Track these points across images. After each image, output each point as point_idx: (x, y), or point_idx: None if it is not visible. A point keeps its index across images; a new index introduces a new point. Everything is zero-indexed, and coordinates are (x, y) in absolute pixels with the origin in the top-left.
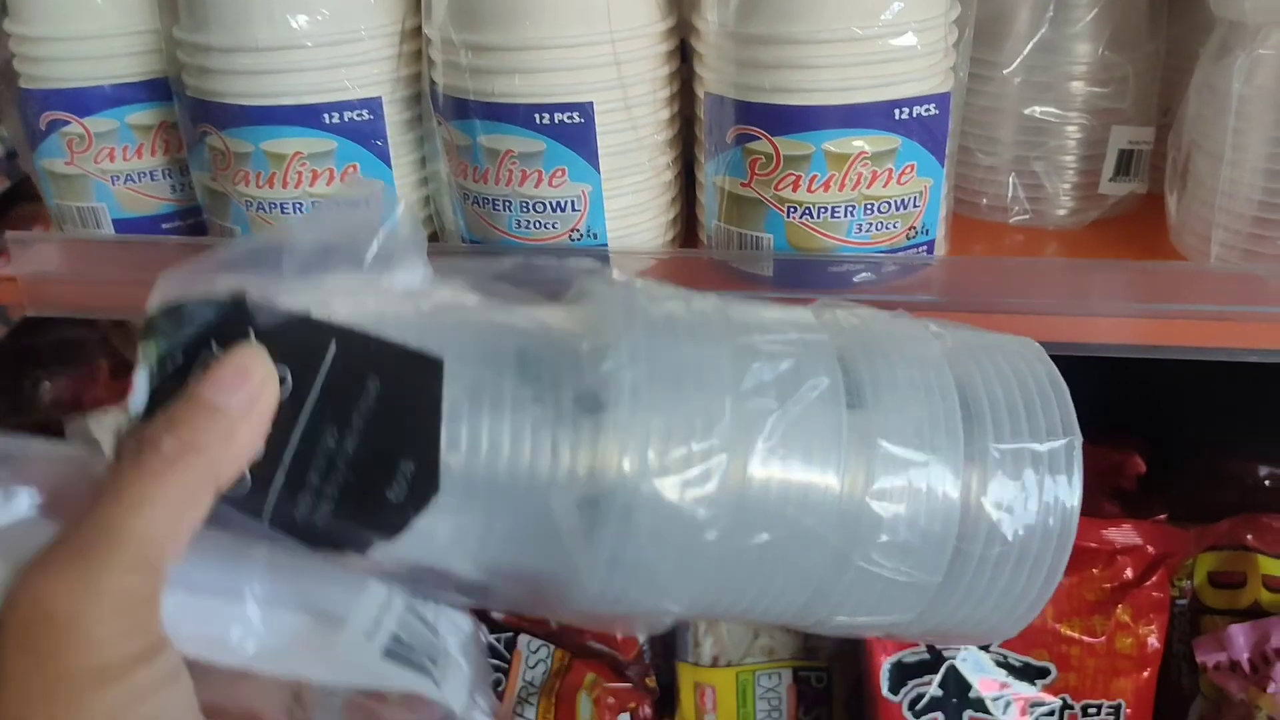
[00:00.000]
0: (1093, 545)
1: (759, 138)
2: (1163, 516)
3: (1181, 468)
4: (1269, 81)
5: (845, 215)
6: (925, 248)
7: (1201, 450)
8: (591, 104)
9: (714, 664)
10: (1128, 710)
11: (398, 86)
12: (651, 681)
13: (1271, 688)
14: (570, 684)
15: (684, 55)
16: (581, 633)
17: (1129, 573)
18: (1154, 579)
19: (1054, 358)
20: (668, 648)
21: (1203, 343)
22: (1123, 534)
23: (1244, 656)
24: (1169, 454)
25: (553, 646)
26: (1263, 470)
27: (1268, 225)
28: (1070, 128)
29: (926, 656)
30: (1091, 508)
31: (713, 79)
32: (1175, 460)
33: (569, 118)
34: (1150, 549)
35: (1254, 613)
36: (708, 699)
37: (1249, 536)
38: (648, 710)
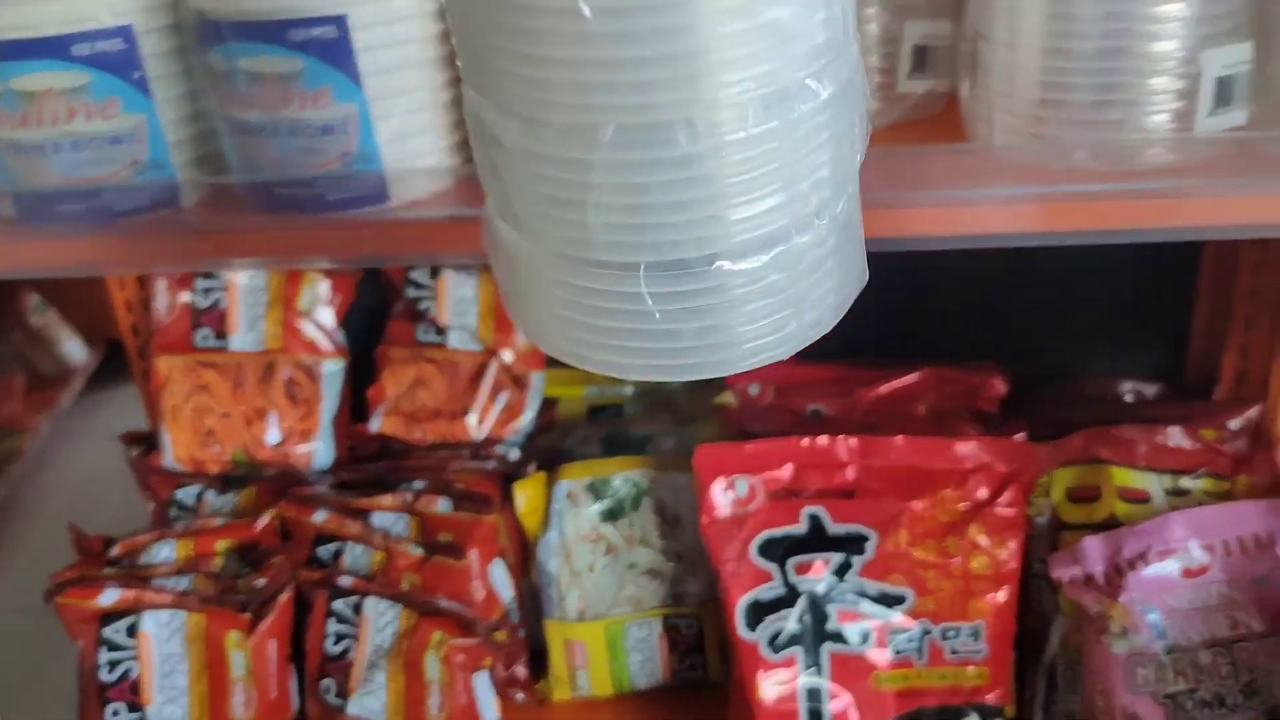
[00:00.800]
0: (943, 466)
1: None
2: (1019, 436)
3: (1043, 389)
4: None
5: None
6: None
7: (1062, 371)
8: (345, 16)
9: (580, 618)
10: (988, 631)
11: (153, 15)
12: (504, 635)
13: (1123, 598)
14: (417, 645)
15: None
16: (430, 592)
17: (981, 492)
18: (1006, 497)
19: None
20: (537, 607)
21: (994, 229)
22: (972, 452)
23: (1098, 569)
24: (1031, 377)
25: (400, 607)
26: (1123, 386)
27: (1048, 106)
28: (866, 25)
29: (782, 591)
30: (949, 430)
31: None
32: (1037, 382)
33: (324, 32)
34: (1000, 467)
35: (1110, 525)
36: (578, 654)
37: (1102, 449)
38: (520, 668)
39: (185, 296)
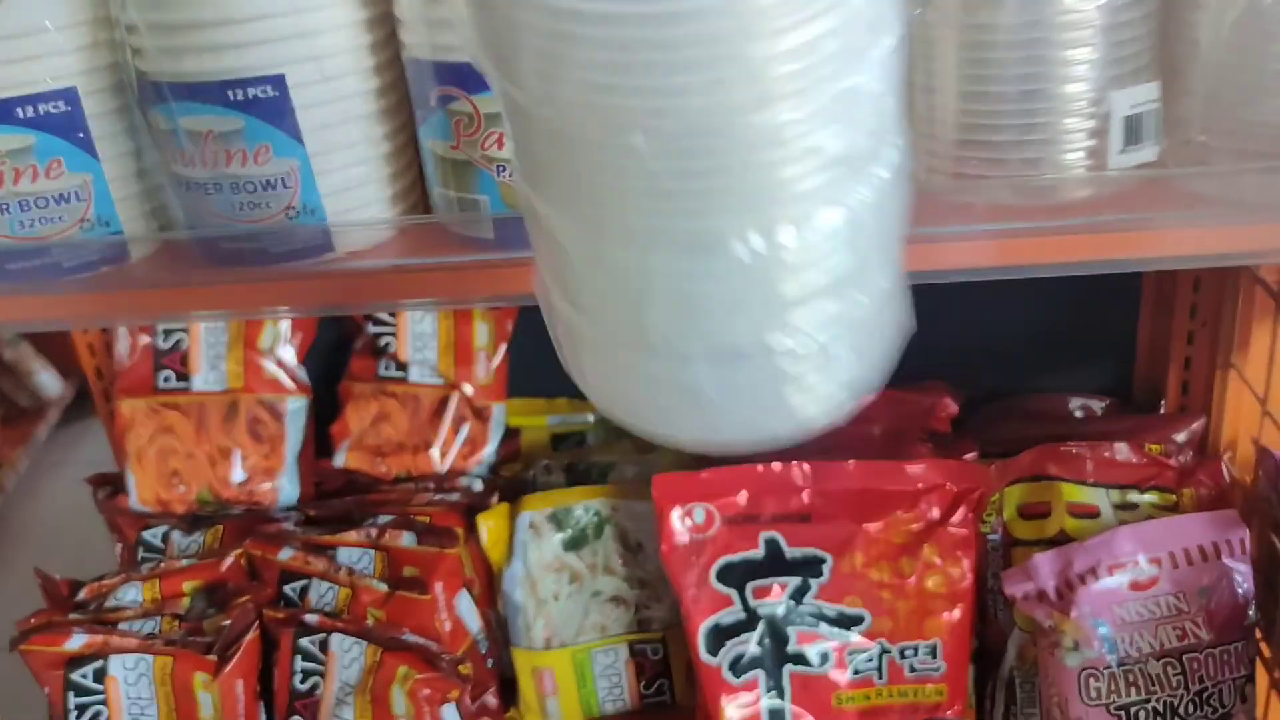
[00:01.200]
0: (895, 488)
1: (458, 97)
2: (971, 454)
3: (993, 408)
4: (951, 11)
5: None
6: None
7: (1012, 389)
8: (283, 76)
9: (547, 646)
10: (945, 648)
11: (95, 76)
12: (467, 668)
13: (1074, 612)
14: (383, 679)
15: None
16: (395, 627)
17: (934, 512)
18: (957, 515)
19: None
20: (506, 636)
21: (922, 265)
22: (923, 473)
23: (1049, 584)
24: (982, 395)
25: (365, 643)
26: (1073, 403)
27: (967, 147)
28: None
29: (742, 616)
30: (903, 451)
31: (411, 42)
32: (987, 401)
33: (262, 91)
34: (951, 486)
35: (1061, 540)
36: (547, 682)
37: (1051, 466)
38: (490, 697)
39: (146, 339)
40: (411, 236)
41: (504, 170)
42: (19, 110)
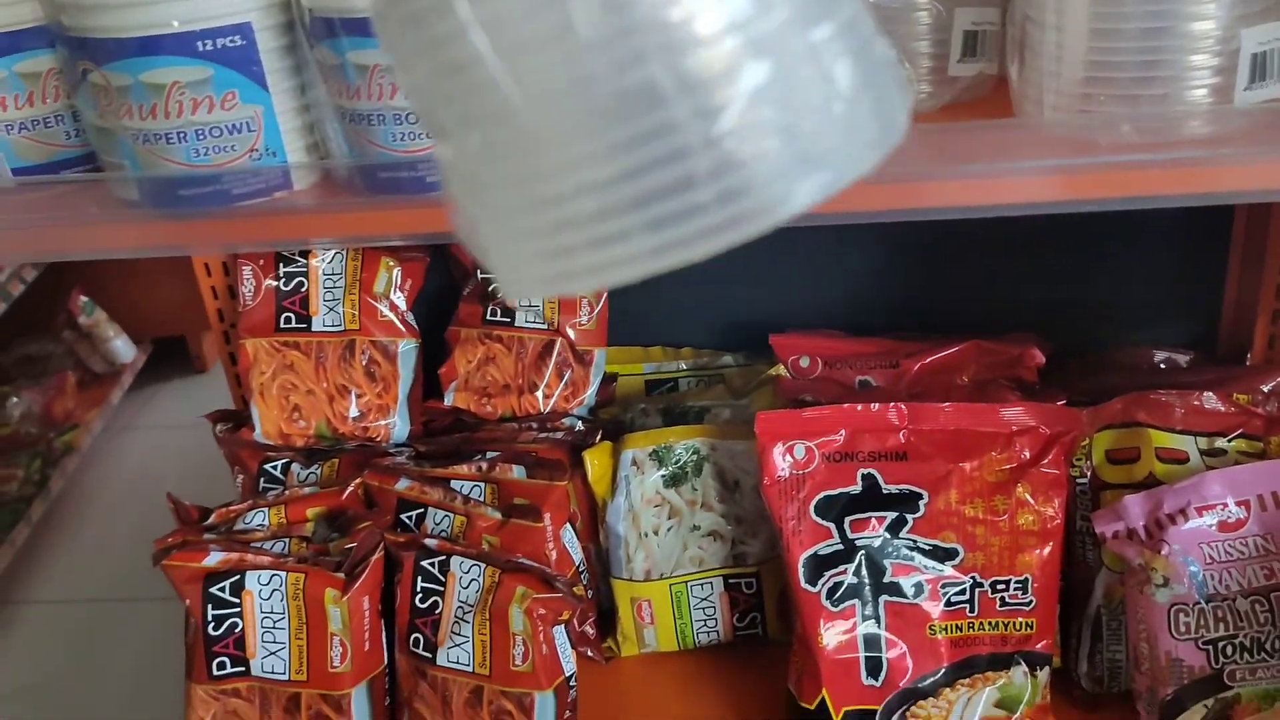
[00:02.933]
0: (990, 430)
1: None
2: (1060, 403)
3: (1079, 360)
4: None
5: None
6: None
7: (1100, 341)
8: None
9: (647, 578)
10: (1035, 584)
11: (269, 12)
12: (580, 590)
13: (1164, 550)
14: (501, 599)
15: None
16: (510, 551)
17: (1026, 453)
18: (1050, 457)
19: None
20: (604, 569)
21: (1042, 197)
22: (1017, 416)
23: (1139, 524)
24: (1070, 348)
25: (484, 565)
26: (1157, 355)
27: (1094, 84)
28: (918, 13)
29: (840, 547)
30: (992, 398)
31: None
32: (1075, 352)
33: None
34: (1044, 429)
35: (1149, 484)
36: (645, 612)
37: (1140, 413)
38: (589, 628)
39: (270, 282)
40: None
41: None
42: (199, 44)
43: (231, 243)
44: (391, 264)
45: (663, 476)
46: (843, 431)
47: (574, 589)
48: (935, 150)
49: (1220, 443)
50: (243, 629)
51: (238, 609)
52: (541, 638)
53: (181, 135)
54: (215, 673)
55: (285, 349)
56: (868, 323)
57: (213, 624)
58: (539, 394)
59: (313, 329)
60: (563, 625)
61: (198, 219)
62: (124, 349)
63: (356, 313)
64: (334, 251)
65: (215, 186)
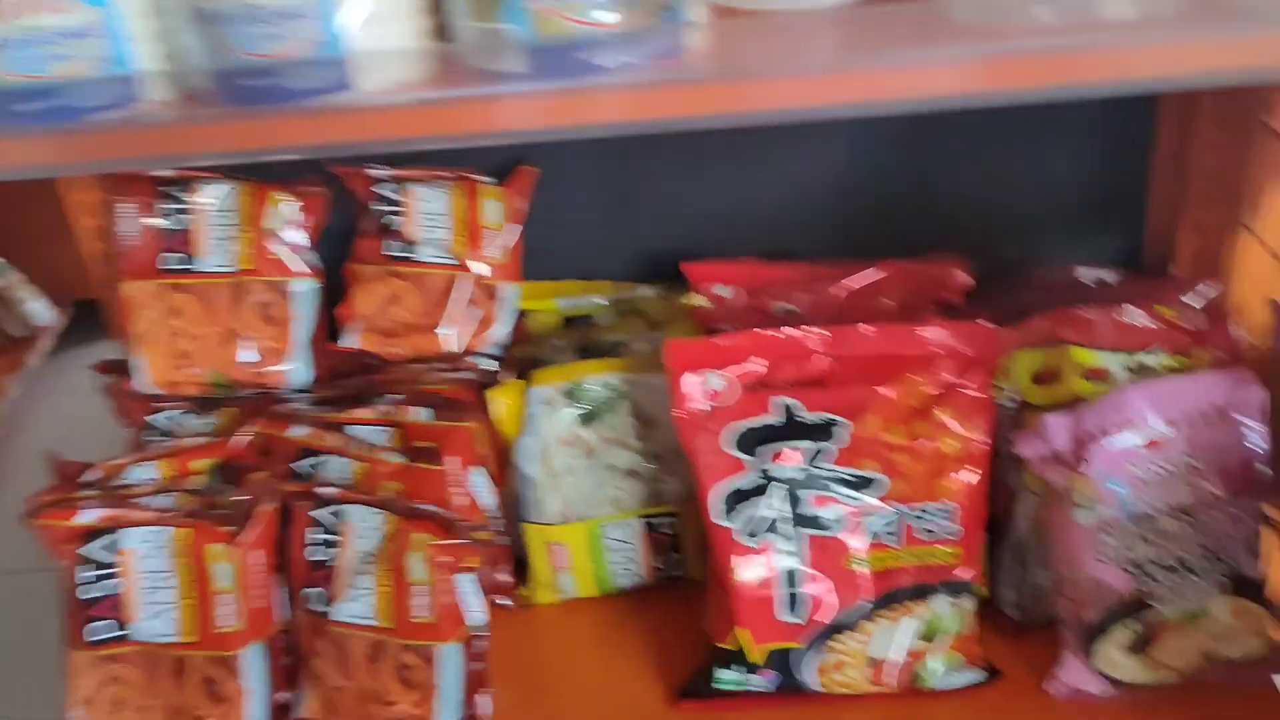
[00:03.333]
0: (910, 352)
1: None
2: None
3: (1004, 280)
4: None
5: None
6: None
7: (1024, 259)
8: None
9: (561, 521)
10: (960, 511)
11: None
12: (488, 535)
13: (1087, 469)
14: (400, 548)
15: None
16: (413, 497)
17: (948, 376)
18: (972, 380)
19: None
20: (518, 515)
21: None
22: (937, 337)
23: (1062, 445)
24: (995, 267)
25: (383, 513)
26: (1083, 273)
27: None
28: None
29: (758, 480)
30: (917, 321)
31: None
32: (1000, 272)
33: None
34: (966, 350)
35: (1074, 404)
36: (559, 556)
37: (1063, 331)
38: (504, 574)
39: (151, 220)
40: (438, 75)
41: None
42: None
43: (75, 163)
44: (286, 198)
45: (575, 414)
46: (759, 358)
47: (480, 534)
48: (841, 40)
49: (1145, 359)
50: (123, 590)
51: (115, 569)
52: (446, 587)
53: (13, 43)
54: (93, 638)
55: (170, 291)
56: (787, 248)
57: (88, 586)
58: (446, 332)
59: (199, 269)
60: (470, 572)
61: (35, 136)
62: (41, 311)
63: (250, 251)
64: (227, 187)
65: (54, 100)
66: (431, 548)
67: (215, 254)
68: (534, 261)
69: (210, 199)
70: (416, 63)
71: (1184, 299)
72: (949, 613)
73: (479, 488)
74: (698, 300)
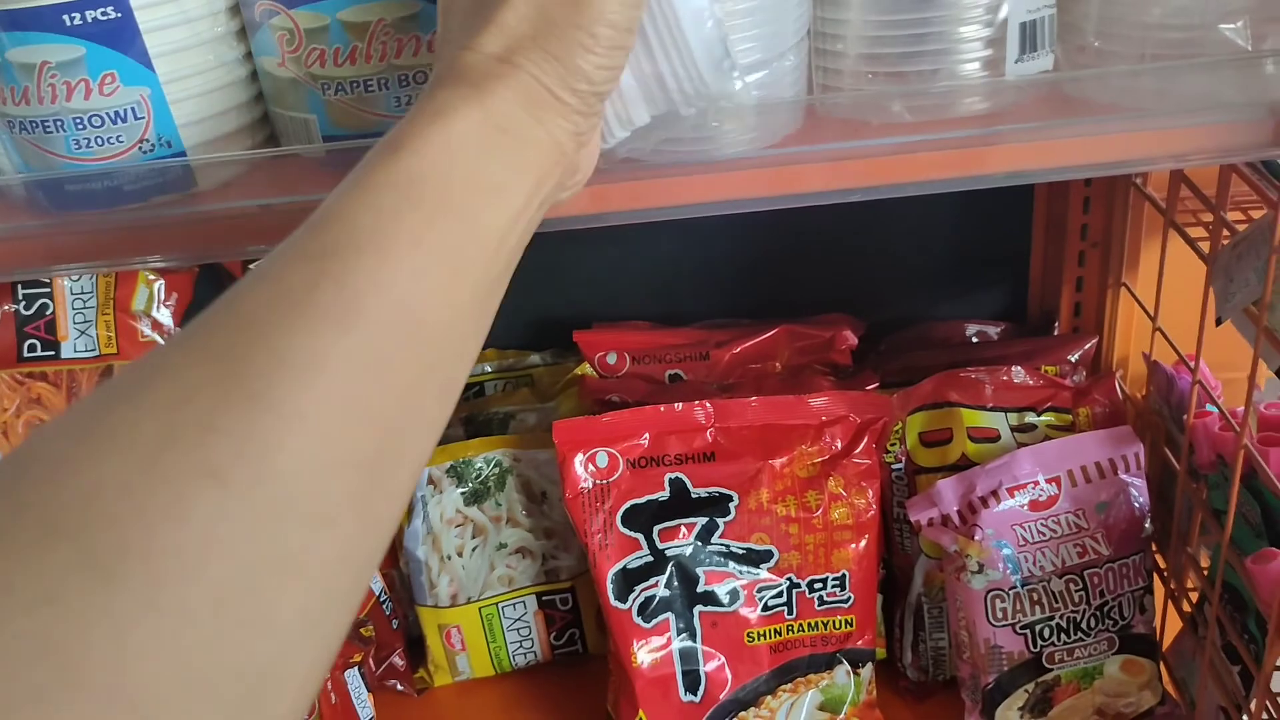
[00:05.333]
0: (798, 422)
1: (279, 11)
2: (873, 385)
3: (893, 338)
4: None
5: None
6: None
7: (912, 318)
8: None
9: (453, 603)
10: (852, 579)
11: None
12: (368, 631)
13: (977, 535)
14: None
15: None
16: None
17: (838, 444)
18: (861, 446)
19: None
20: (410, 595)
21: (812, 186)
22: (825, 406)
23: (953, 509)
24: (884, 326)
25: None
26: (970, 329)
27: (865, 60)
28: None
29: (650, 559)
30: (805, 385)
31: None
32: (887, 332)
33: (103, 14)
34: (854, 417)
35: (963, 466)
36: (455, 639)
37: (951, 392)
38: (398, 659)
39: (7, 306)
40: (273, 168)
41: (329, 88)
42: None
43: None
44: (152, 277)
45: (462, 494)
46: (646, 435)
47: (361, 629)
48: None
49: (1030, 417)
50: None
51: None
52: (330, 686)
53: (59, 123)
54: None
55: (30, 380)
56: (679, 313)
57: None
58: None
59: (62, 355)
60: (355, 668)
61: None
62: None
63: (112, 334)
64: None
65: None
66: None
67: (78, 338)
68: None
69: (70, 281)
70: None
71: (1067, 356)
72: (847, 682)
73: None
74: (587, 369)
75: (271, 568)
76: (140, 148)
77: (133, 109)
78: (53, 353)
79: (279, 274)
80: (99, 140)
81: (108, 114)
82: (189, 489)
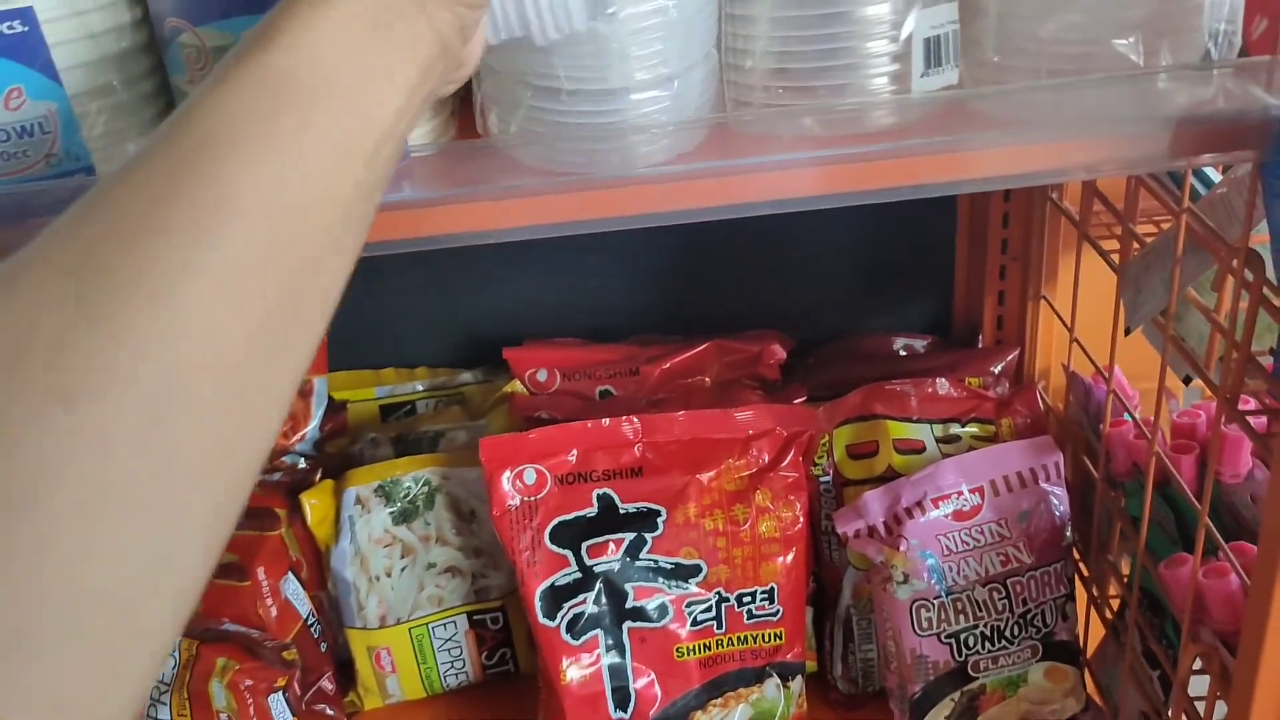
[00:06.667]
0: (725, 436)
1: (185, 29)
2: (800, 399)
3: (821, 352)
4: None
5: None
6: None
7: (839, 332)
8: (31, 9)
9: (382, 624)
10: (780, 592)
11: None
12: (291, 655)
13: (902, 546)
14: (201, 673)
15: None
16: (213, 618)
17: (765, 457)
18: (788, 460)
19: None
20: (338, 618)
21: (727, 199)
22: (752, 419)
23: (879, 520)
24: (812, 340)
25: (180, 637)
26: (896, 342)
27: (775, 76)
28: None
29: (579, 575)
30: (734, 400)
31: None
32: (815, 346)
33: (9, 27)
34: (781, 430)
35: (890, 477)
36: (385, 661)
37: (877, 405)
38: (327, 683)
39: None
40: None
41: None
42: None
43: None
44: None
45: (390, 514)
46: (574, 451)
47: (284, 653)
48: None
49: (954, 429)
50: None
51: None
52: (252, 711)
53: None
54: None
55: None
56: (611, 328)
57: None
58: None
59: None
60: (279, 693)
61: None
62: None
63: None
64: None
65: None
66: (235, 673)
67: None
68: (350, 350)
69: None
70: None
71: (989, 368)
72: (777, 695)
73: (293, 596)
74: (515, 386)
75: (129, 492)
76: (48, 162)
77: (40, 124)
78: None
79: (140, 178)
80: (5, 155)
81: (14, 128)
82: (44, 409)
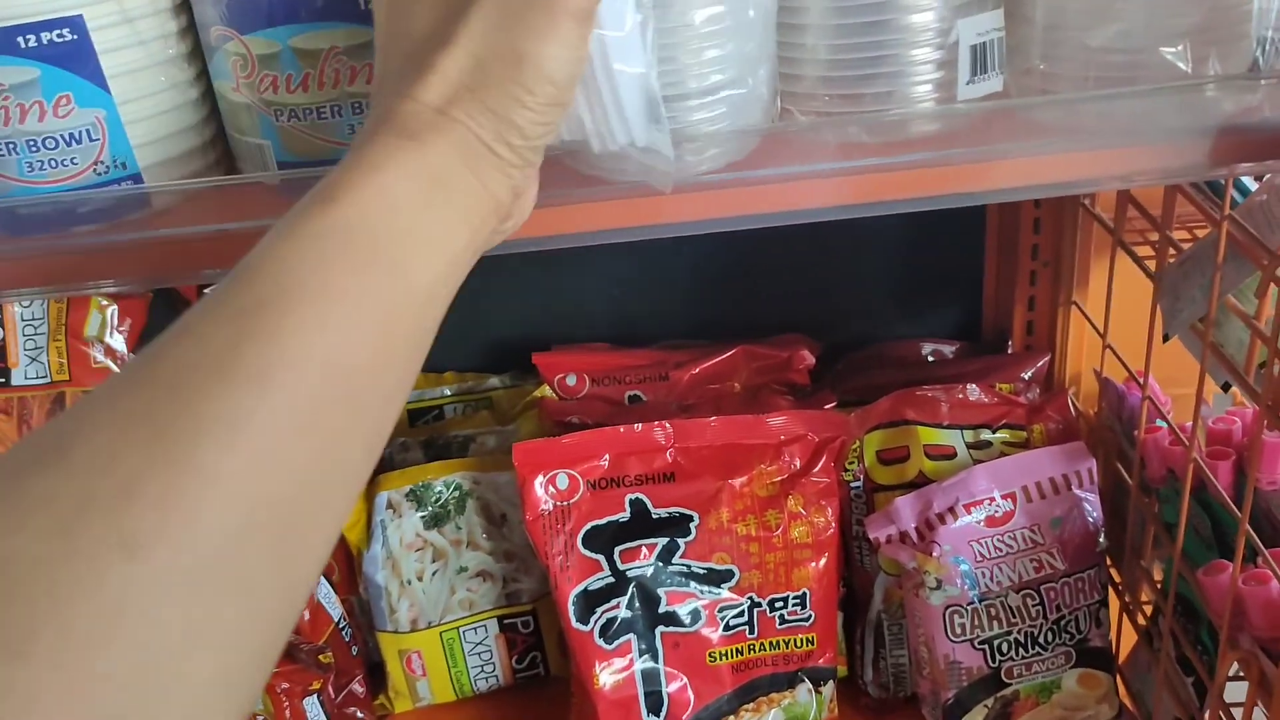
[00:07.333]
0: (757, 441)
1: (232, 37)
2: (830, 404)
3: (850, 358)
4: None
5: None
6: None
7: (870, 337)
8: (82, 17)
9: (413, 628)
10: (812, 598)
11: None
12: (327, 658)
13: (935, 551)
14: None
15: None
16: None
17: (796, 463)
18: (819, 465)
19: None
20: (370, 621)
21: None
22: (784, 425)
23: (910, 526)
24: (841, 346)
25: None
26: (925, 348)
27: (825, 84)
28: None
29: (611, 580)
30: (763, 405)
31: None
32: (844, 352)
33: (59, 36)
34: (812, 436)
35: (920, 483)
36: (415, 664)
37: (908, 410)
38: (357, 686)
39: None
40: (227, 194)
41: (283, 115)
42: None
43: None
44: (104, 303)
45: (422, 517)
46: (606, 456)
47: (320, 656)
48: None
49: (985, 435)
50: None
51: None
52: (289, 714)
53: (11, 145)
54: None
55: None
56: (638, 334)
57: None
58: None
59: (12, 383)
60: (314, 696)
61: None
62: None
63: (64, 361)
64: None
65: None
66: (272, 675)
67: (29, 365)
68: None
69: (20, 307)
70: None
71: (1020, 374)
72: (809, 700)
73: (325, 600)
74: (546, 391)
75: (185, 636)
76: (95, 170)
77: (88, 131)
78: (3, 380)
79: (203, 331)
80: (53, 163)
81: (62, 136)
82: (102, 561)
